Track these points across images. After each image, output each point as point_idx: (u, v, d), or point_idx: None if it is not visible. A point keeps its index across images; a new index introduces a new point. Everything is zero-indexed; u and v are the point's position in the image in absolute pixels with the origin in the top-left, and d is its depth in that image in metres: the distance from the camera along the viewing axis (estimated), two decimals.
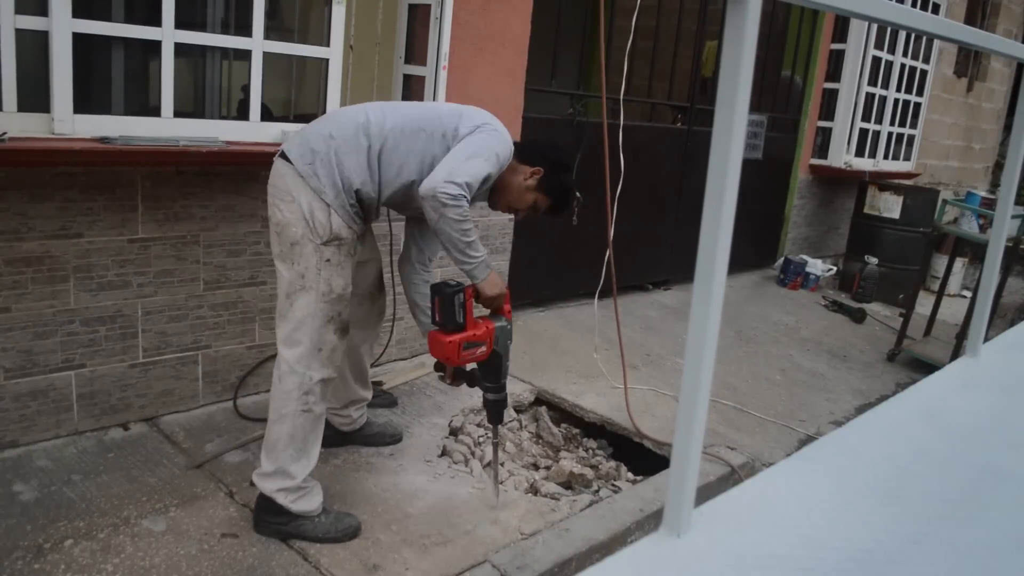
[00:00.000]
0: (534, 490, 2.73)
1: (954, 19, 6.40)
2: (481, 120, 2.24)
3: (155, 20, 2.47)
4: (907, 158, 7.03)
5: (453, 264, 2.28)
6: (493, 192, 2.36)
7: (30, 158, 2.28)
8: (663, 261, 5.08)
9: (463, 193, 2.06)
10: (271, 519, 2.21)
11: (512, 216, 2.47)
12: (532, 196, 2.38)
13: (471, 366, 2.31)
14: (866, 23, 5.78)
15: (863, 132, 6.34)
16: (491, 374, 2.35)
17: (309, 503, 2.22)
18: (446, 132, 2.19)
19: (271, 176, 2.19)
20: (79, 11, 2.31)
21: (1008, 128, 7.94)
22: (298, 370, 2.16)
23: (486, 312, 2.36)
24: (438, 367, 2.42)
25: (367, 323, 2.60)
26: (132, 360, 2.70)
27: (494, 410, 2.41)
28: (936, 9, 6.59)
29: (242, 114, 2.78)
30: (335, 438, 2.66)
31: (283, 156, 2.17)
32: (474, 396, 3.24)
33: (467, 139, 2.17)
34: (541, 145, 2.47)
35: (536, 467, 2.94)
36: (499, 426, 2.47)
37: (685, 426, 0.74)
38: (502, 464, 2.88)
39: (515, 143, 2.32)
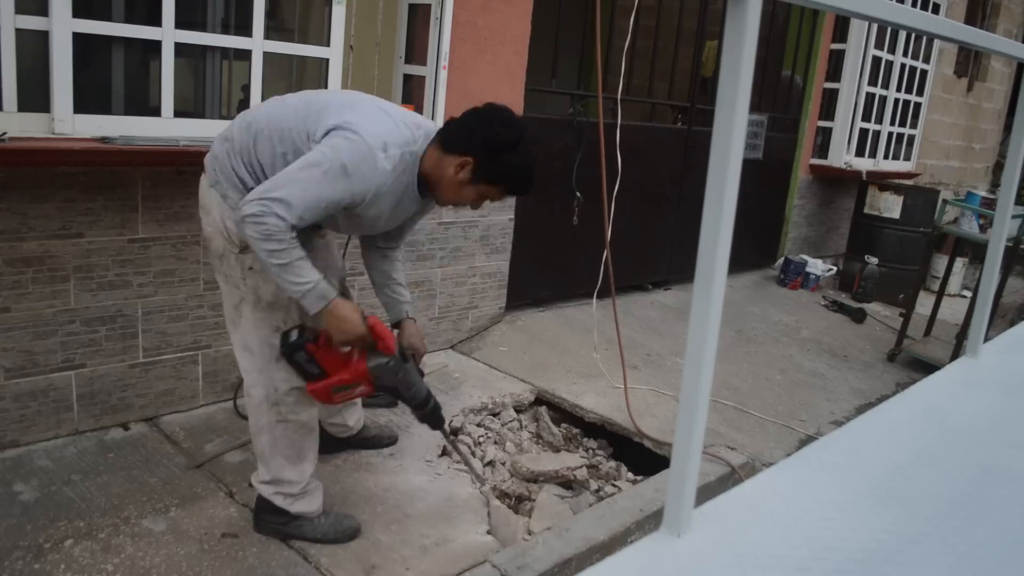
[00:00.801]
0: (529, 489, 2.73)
1: (954, 19, 6.40)
2: (341, 121, 1.90)
3: (155, 20, 2.47)
4: (907, 158, 7.04)
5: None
6: (433, 191, 2.06)
7: (30, 158, 2.28)
8: (663, 261, 5.08)
9: (267, 210, 1.77)
10: (270, 519, 2.21)
11: (471, 208, 2.16)
12: (473, 190, 2.02)
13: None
14: (866, 23, 5.78)
15: (863, 132, 6.34)
16: (403, 400, 2.15)
17: (309, 504, 2.21)
18: (312, 133, 1.92)
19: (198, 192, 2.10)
20: (79, 11, 2.31)
21: (1008, 128, 7.94)
22: (261, 380, 2.10)
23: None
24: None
25: None
26: (132, 360, 2.70)
27: (426, 422, 2.23)
28: (936, 9, 6.59)
29: None
30: (332, 445, 2.63)
31: (204, 168, 2.08)
32: (474, 396, 3.24)
33: (315, 147, 1.88)
34: (470, 124, 1.99)
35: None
36: (446, 426, 2.37)
37: (685, 426, 0.74)
38: (503, 464, 2.88)
39: (442, 128, 2.04)
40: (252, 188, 1.92)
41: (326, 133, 1.89)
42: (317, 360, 2.00)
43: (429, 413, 2.18)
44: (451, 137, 1.99)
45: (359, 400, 2.66)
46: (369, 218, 2.04)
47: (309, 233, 2.05)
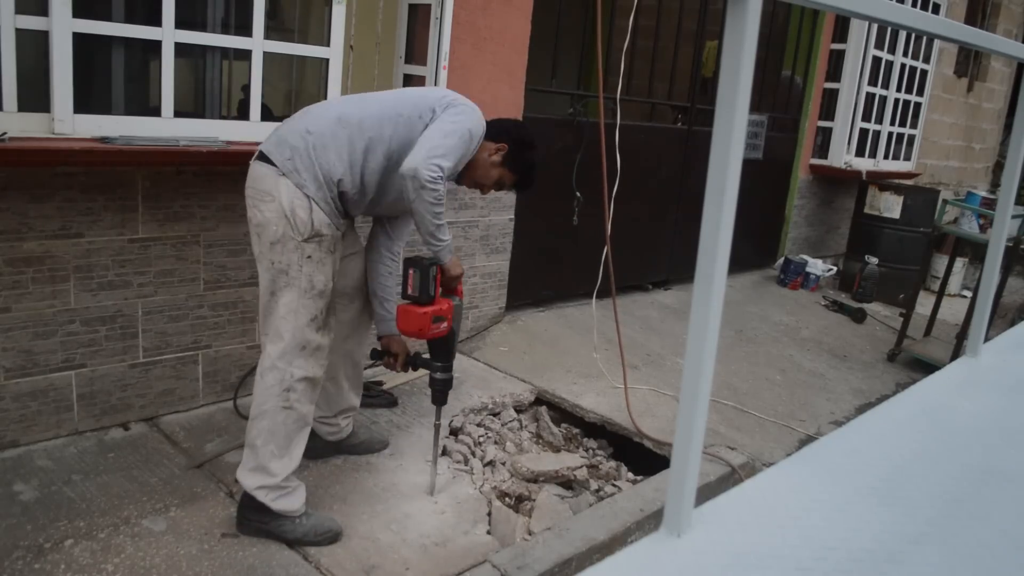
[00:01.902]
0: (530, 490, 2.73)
1: (954, 19, 6.40)
2: (453, 99, 2.29)
3: (155, 20, 2.47)
4: (907, 158, 7.04)
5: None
6: (463, 171, 2.39)
7: (30, 158, 2.28)
8: (663, 261, 5.08)
9: (441, 175, 2.10)
10: (252, 516, 2.21)
11: (481, 192, 2.53)
12: (497, 172, 2.42)
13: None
14: (866, 23, 5.78)
15: (863, 132, 6.34)
16: (443, 352, 2.43)
17: (290, 503, 2.21)
18: (423, 114, 2.23)
19: (248, 179, 2.19)
20: (79, 11, 2.31)
21: (1008, 128, 7.95)
22: (279, 366, 2.16)
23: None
24: (377, 355, 2.55)
25: (357, 325, 2.58)
26: (132, 360, 2.70)
27: (441, 389, 2.46)
28: (936, 9, 6.59)
29: (242, 114, 2.78)
30: (322, 448, 2.63)
31: (261, 158, 2.18)
32: (474, 396, 3.24)
33: (442, 117, 2.22)
34: (505, 122, 2.48)
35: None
36: (441, 408, 2.52)
37: (685, 426, 0.74)
38: (503, 464, 2.88)
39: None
40: (338, 176, 2.16)
41: (446, 107, 2.25)
42: (435, 282, 2.28)
43: (450, 379, 2.46)
44: (491, 127, 2.39)
45: (354, 403, 2.66)
46: None
47: (346, 222, 2.33)
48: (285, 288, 2.15)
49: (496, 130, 2.40)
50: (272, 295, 2.17)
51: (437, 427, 2.53)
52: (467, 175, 2.42)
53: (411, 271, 2.25)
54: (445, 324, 2.34)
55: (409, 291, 2.26)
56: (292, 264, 2.14)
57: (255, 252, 2.22)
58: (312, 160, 2.14)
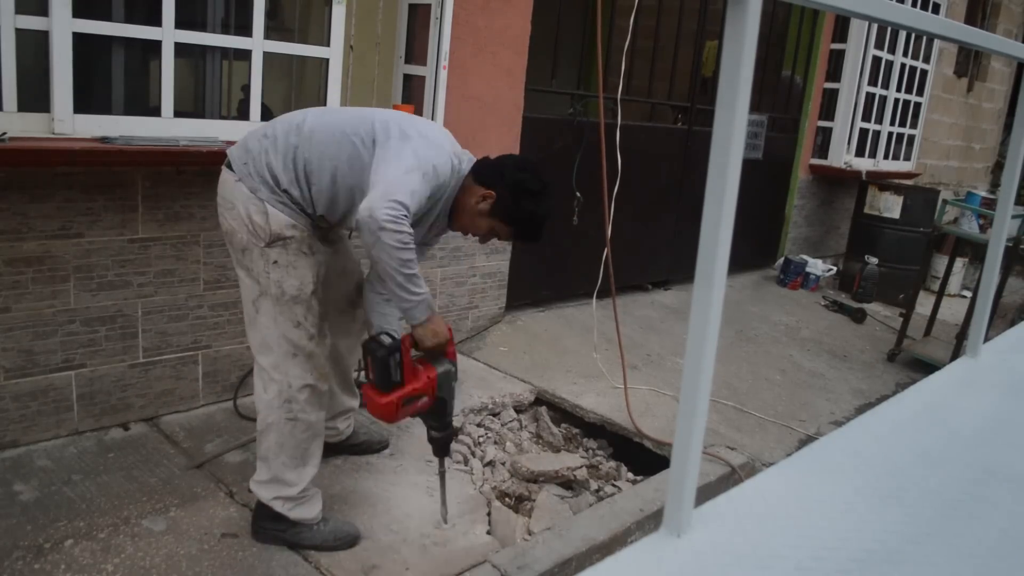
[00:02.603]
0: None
1: (954, 19, 6.40)
2: (416, 128, 2.06)
3: (155, 20, 2.47)
4: (907, 158, 7.04)
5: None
6: (451, 211, 2.19)
7: (30, 158, 2.28)
8: (663, 261, 5.08)
9: (404, 214, 1.84)
10: (269, 525, 2.19)
11: (479, 242, 2.29)
12: (486, 222, 2.15)
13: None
14: (866, 23, 5.78)
15: (863, 132, 6.34)
16: (436, 417, 2.17)
17: (308, 511, 2.19)
18: (376, 137, 2.02)
19: (218, 187, 2.12)
20: (79, 11, 2.31)
21: (1008, 128, 7.94)
22: (276, 377, 2.10)
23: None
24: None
25: (348, 332, 2.50)
26: (132, 360, 2.70)
27: (440, 445, 2.24)
28: (936, 9, 6.59)
29: (242, 114, 2.78)
30: (323, 451, 2.54)
31: (227, 164, 2.11)
32: (474, 396, 3.24)
33: (398, 147, 1.98)
34: (503, 163, 2.17)
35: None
36: (446, 457, 2.31)
37: (685, 426, 0.73)
38: (503, 464, 2.88)
39: (478, 161, 2.17)
40: (284, 186, 2.01)
41: (399, 136, 2.00)
42: (401, 365, 1.98)
43: (451, 435, 2.27)
44: (483, 170, 2.15)
45: (351, 404, 2.62)
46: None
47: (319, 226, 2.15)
48: (261, 297, 2.08)
49: (487, 173, 2.12)
50: (253, 304, 2.10)
51: (442, 474, 2.34)
52: (456, 222, 2.21)
53: (366, 358, 2.01)
54: (423, 400, 2.04)
55: (369, 376, 2.01)
56: (260, 271, 2.06)
57: (233, 261, 2.15)
58: (263, 163, 2.03)
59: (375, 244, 1.84)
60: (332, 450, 2.65)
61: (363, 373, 2.05)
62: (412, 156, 1.96)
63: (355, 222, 1.90)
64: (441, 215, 2.17)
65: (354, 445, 2.69)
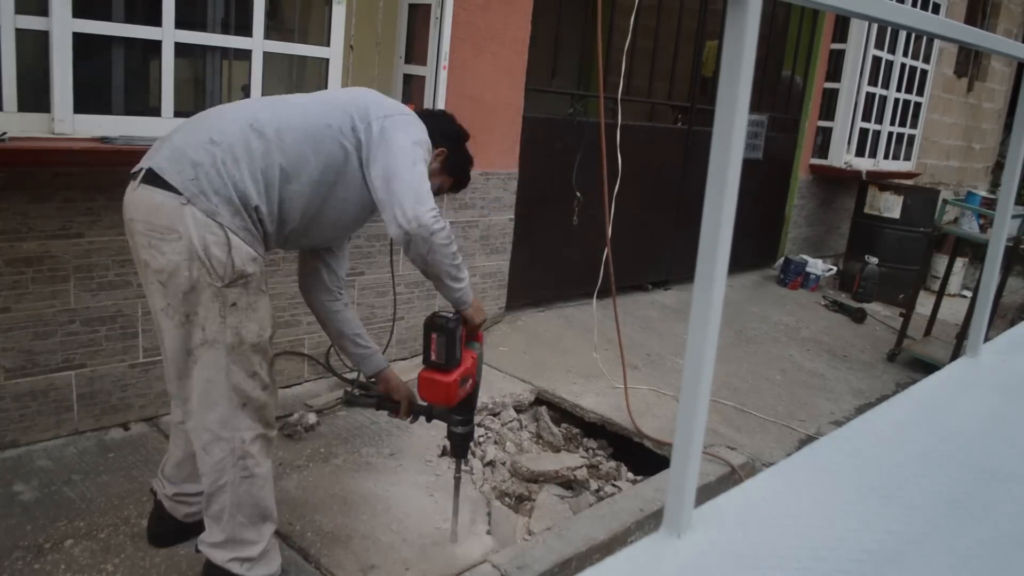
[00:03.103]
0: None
1: (954, 19, 6.40)
2: (391, 107, 1.92)
3: (155, 20, 2.47)
4: (907, 158, 7.04)
5: (439, 293, 2.02)
6: None
7: (30, 158, 2.28)
8: (663, 261, 5.08)
9: (437, 212, 1.79)
10: None
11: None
12: (438, 179, 2.07)
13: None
14: (866, 23, 5.78)
15: (863, 132, 6.34)
16: (466, 407, 2.13)
17: (267, 567, 1.91)
18: (356, 125, 1.85)
19: (134, 209, 1.74)
20: (79, 11, 2.31)
21: (1008, 128, 7.94)
22: (225, 435, 1.80)
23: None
24: (381, 403, 2.22)
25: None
26: (132, 360, 2.70)
27: (461, 444, 2.18)
28: (936, 9, 6.59)
29: None
30: (173, 533, 2.11)
31: (150, 179, 1.72)
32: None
33: (390, 137, 1.84)
34: (436, 118, 2.11)
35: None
36: (463, 459, 2.24)
37: (685, 426, 0.73)
38: (503, 464, 2.88)
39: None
40: (255, 203, 1.73)
41: (384, 119, 1.87)
42: (460, 342, 2.01)
43: (471, 431, 2.19)
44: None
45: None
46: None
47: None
48: (205, 346, 1.73)
49: (431, 132, 1.99)
50: (189, 355, 1.75)
51: (458, 480, 2.23)
52: None
53: (434, 336, 1.95)
54: (471, 382, 2.07)
55: (433, 357, 1.97)
56: (211, 317, 1.71)
57: (157, 305, 1.75)
58: (224, 178, 1.70)
59: (430, 251, 1.79)
60: (182, 534, 2.12)
61: (424, 356, 2.01)
62: (410, 146, 1.85)
63: (399, 236, 1.77)
64: None
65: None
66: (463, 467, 2.29)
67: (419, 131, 1.92)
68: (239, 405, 1.80)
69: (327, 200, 1.88)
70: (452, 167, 2.12)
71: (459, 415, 2.14)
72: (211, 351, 1.74)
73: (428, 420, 2.21)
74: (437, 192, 2.04)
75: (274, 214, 1.80)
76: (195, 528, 2.00)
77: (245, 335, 1.76)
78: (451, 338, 1.96)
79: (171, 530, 2.10)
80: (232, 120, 1.78)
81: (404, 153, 1.83)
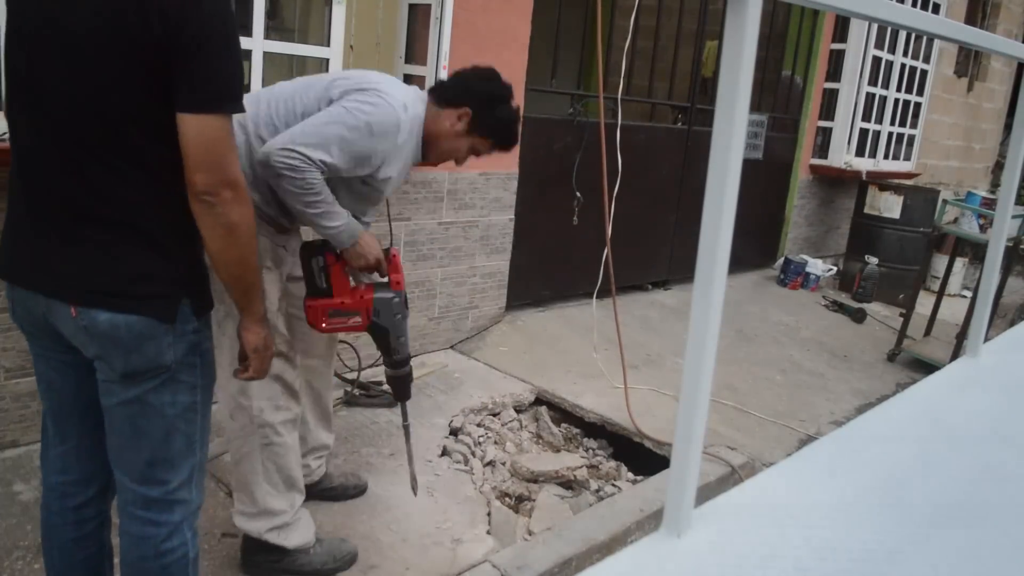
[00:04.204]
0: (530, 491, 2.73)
1: (954, 19, 6.40)
2: (364, 83, 1.94)
3: None
4: (907, 158, 7.04)
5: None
6: (428, 148, 2.08)
7: None
8: (663, 261, 5.08)
9: (302, 165, 1.79)
10: (262, 559, 2.07)
11: (456, 164, 2.20)
12: (467, 141, 2.07)
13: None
14: (866, 23, 5.78)
15: (863, 132, 6.34)
16: (382, 349, 2.13)
17: (302, 536, 2.07)
18: (321, 97, 1.92)
19: None
20: None
21: (1008, 128, 7.94)
22: (244, 403, 1.96)
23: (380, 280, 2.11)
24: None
25: (318, 348, 2.31)
26: None
27: (394, 386, 2.20)
28: (936, 9, 6.59)
29: None
30: None
31: None
32: (474, 396, 3.24)
33: (336, 103, 1.89)
34: (466, 77, 2.10)
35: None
36: (405, 403, 2.23)
37: (685, 426, 0.73)
38: (503, 464, 2.88)
39: (432, 88, 2.11)
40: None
41: (344, 92, 1.89)
42: (329, 275, 2.01)
43: (405, 375, 2.16)
44: (447, 92, 2.06)
45: (326, 441, 2.42)
46: (378, 185, 2.01)
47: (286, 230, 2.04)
48: (227, 317, 1.86)
49: (455, 92, 2.05)
50: (218, 326, 1.88)
51: (406, 427, 2.24)
52: (432, 152, 2.09)
53: (302, 263, 2.03)
54: (356, 319, 2.05)
55: (304, 281, 2.04)
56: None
57: None
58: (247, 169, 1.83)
59: (276, 186, 1.84)
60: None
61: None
62: (339, 111, 1.87)
63: (261, 157, 1.82)
64: (410, 160, 2.06)
65: (325, 489, 2.44)
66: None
67: (372, 108, 1.88)
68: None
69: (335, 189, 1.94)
70: (481, 127, 2.05)
71: (386, 356, 2.13)
72: (232, 323, 1.80)
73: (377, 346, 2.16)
74: (466, 156, 2.12)
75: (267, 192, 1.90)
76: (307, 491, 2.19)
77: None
78: (306, 265, 2.00)
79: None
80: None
81: (331, 111, 1.87)
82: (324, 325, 2.03)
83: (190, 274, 1.43)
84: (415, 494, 2.31)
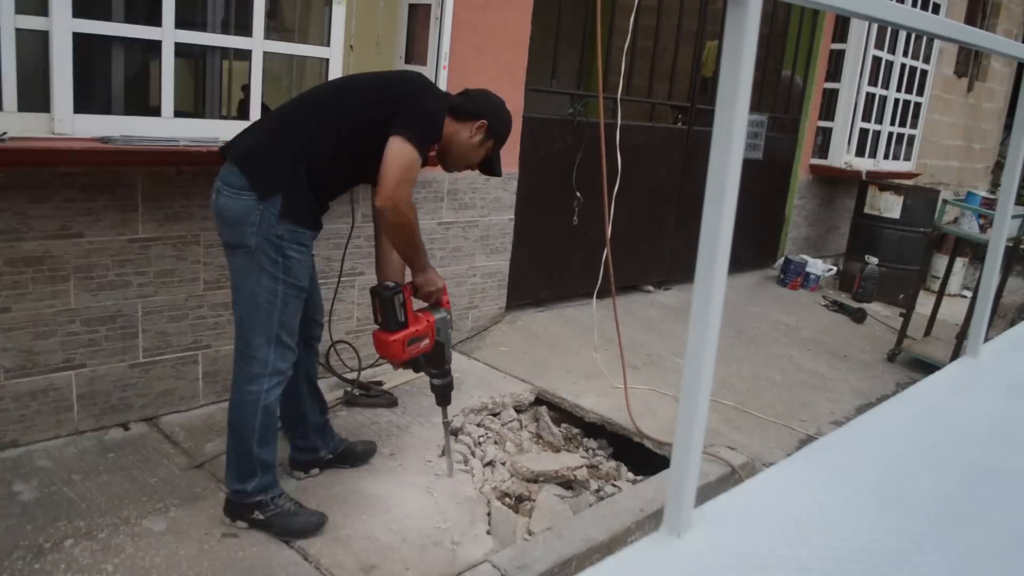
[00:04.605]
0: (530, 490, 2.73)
1: (954, 19, 6.40)
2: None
3: (155, 20, 2.47)
4: (907, 158, 7.04)
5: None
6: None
7: (30, 158, 2.28)
8: (663, 261, 5.08)
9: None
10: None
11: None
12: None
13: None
14: (866, 23, 5.78)
15: (863, 132, 6.34)
16: (435, 363, 2.44)
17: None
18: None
19: None
20: (79, 11, 2.31)
21: (1008, 128, 7.94)
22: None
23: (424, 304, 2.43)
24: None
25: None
26: (132, 360, 2.70)
27: (441, 393, 2.52)
28: (936, 9, 6.59)
29: (242, 114, 2.78)
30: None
31: None
32: (474, 396, 3.24)
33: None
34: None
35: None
36: (447, 407, 2.56)
37: (685, 426, 0.74)
38: (503, 464, 2.88)
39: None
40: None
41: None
42: (405, 307, 2.28)
43: (449, 383, 2.50)
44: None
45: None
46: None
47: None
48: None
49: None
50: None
51: (446, 424, 2.60)
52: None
53: (375, 301, 2.28)
54: (426, 342, 2.35)
55: (378, 319, 2.29)
56: None
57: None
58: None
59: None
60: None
61: (373, 318, 2.31)
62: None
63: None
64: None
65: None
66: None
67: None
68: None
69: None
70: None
71: (433, 369, 2.45)
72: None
73: (415, 371, 2.47)
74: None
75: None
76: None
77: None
78: (389, 304, 2.25)
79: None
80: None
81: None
82: (404, 353, 2.29)
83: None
84: (450, 474, 2.63)
